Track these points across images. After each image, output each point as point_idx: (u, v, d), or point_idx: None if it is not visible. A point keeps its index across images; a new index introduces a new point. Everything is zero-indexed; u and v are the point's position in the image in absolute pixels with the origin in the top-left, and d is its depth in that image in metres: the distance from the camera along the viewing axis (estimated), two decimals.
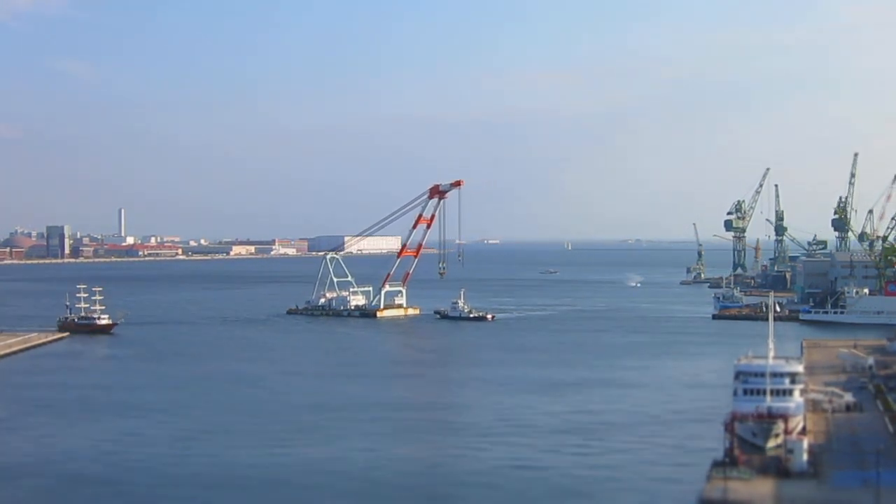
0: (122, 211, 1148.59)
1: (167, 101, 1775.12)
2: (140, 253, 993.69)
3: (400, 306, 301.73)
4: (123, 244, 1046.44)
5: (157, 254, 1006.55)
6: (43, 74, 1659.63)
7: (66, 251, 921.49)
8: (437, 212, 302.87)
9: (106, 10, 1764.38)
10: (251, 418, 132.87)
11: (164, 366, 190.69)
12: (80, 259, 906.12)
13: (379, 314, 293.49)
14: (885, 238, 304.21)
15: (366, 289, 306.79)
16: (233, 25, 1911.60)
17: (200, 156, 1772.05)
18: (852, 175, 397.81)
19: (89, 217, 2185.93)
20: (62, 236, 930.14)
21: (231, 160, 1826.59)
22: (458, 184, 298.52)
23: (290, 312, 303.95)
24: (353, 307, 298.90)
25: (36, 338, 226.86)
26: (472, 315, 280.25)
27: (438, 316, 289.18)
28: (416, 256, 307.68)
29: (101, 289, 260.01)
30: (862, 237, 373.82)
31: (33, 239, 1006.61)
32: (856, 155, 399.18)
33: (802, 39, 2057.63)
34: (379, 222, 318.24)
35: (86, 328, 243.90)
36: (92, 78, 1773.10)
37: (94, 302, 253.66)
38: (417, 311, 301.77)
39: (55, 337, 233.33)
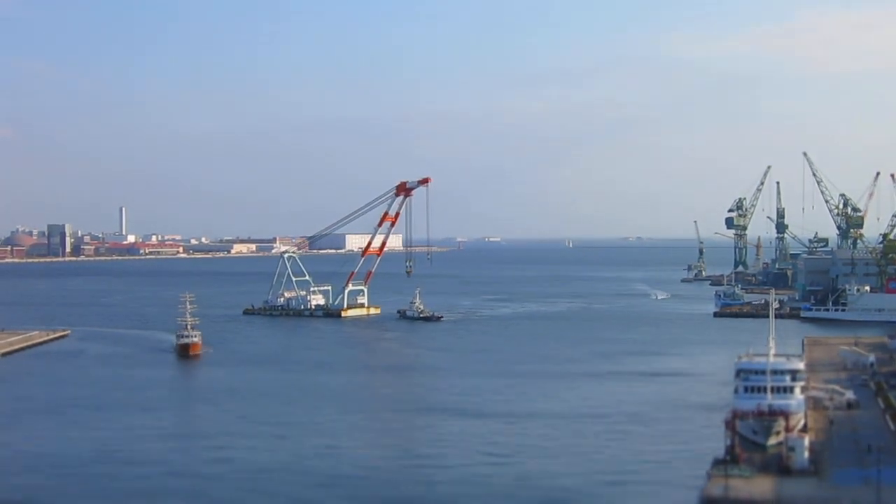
0: (123, 209, 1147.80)
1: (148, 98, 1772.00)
2: (141, 251, 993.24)
3: (362, 305, 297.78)
4: (124, 242, 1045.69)
5: (158, 252, 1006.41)
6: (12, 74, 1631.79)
7: (68, 250, 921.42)
8: (403, 209, 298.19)
9: (44, 6, 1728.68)
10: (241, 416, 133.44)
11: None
12: (82, 257, 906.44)
13: (343, 314, 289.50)
14: (885, 235, 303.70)
15: (325, 288, 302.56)
16: (222, 19, 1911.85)
17: (201, 154, 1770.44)
18: (814, 174, 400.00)
19: (90, 216, 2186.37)
20: (63, 235, 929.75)
21: (233, 158, 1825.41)
22: (425, 181, 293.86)
23: (246, 312, 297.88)
24: (314, 307, 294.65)
25: (37, 336, 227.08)
26: (422, 315, 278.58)
27: (399, 315, 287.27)
28: (379, 255, 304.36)
29: (191, 296, 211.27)
30: (846, 234, 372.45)
31: (34, 237, 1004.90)
32: (805, 154, 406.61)
33: (805, 38, 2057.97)
34: (343, 219, 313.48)
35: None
36: (55, 77, 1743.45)
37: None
38: (378, 311, 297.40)
39: (55, 336, 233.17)
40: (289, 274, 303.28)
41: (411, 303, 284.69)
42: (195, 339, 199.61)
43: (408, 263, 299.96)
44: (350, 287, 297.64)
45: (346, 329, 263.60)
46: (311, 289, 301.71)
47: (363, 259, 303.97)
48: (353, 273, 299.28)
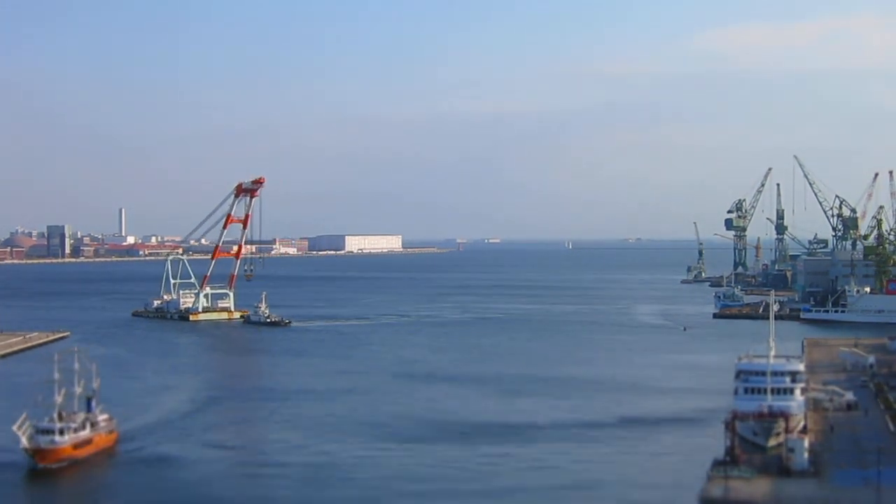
0: (123, 210, 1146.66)
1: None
2: (141, 252, 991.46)
3: (225, 309, 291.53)
4: (124, 244, 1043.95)
5: (158, 253, 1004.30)
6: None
7: (67, 251, 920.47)
8: (251, 211, 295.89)
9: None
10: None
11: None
12: (81, 259, 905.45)
13: (192, 318, 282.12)
14: (866, 237, 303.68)
15: (205, 292, 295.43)
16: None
17: (201, 154, 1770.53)
18: (806, 176, 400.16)
19: (90, 216, 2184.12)
20: (63, 236, 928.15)
21: (234, 158, 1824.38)
22: (259, 181, 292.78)
23: (135, 314, 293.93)
24: (182, 310, 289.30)
25: (37, 337, 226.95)
26: (269, 320, 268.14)
27: (243, 320, 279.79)
28: (237, 258, 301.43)
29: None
30: (846, 236, 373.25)
31: (34, 239, 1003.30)
32: (796, 157, 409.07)
33: (808, 37, 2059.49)
34: (200, 224, 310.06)
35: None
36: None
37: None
38: (246, 314, 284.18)
39: (55, 337, 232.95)
40: (170, 277, 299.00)
41: (256, 307, 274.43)
42: (63, 442, 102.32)
43: (248, 267, 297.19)
44: (207, 290, 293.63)
45: (168, 334, 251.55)
46: (184, 292, 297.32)
47: (214, 262, 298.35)
48: (206, 276, 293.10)
